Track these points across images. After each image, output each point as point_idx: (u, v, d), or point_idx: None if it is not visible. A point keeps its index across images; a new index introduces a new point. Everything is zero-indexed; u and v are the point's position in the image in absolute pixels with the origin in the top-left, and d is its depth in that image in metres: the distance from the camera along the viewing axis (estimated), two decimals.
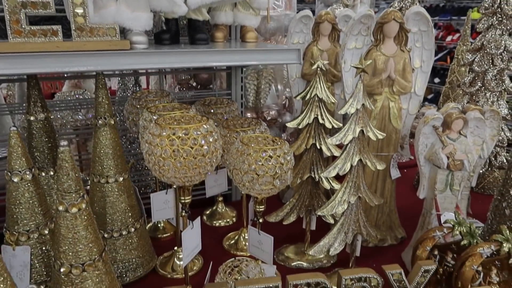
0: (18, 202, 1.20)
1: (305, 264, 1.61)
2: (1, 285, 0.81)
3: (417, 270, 1.22)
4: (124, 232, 1.45)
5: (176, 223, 1.65)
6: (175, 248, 1.61)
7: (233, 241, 1.76)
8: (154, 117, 1.37)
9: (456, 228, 1.30)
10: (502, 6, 1.96)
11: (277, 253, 1.66)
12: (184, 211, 1.28)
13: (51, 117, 1.51)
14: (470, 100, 2.12)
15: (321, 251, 1.40)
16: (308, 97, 1.47)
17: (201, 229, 1.35)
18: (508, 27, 1.97)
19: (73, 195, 0.97)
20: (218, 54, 1.46)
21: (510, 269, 1.28)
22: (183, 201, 1.26)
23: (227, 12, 1.66)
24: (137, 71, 2.16)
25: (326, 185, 1.53)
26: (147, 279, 1.52)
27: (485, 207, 1.62)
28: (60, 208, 0.97)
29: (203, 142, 1.13)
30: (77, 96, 2.25)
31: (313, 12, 2.11)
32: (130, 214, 1.46)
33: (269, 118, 2.34)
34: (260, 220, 1.40)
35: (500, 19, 1.98)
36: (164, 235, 1.81)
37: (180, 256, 1.56)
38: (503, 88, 2.04)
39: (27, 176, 1.19)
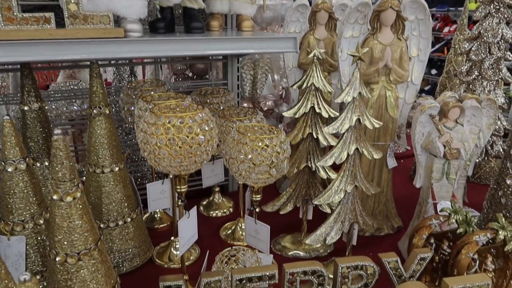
0: (12, 192, 1.19)
1: (302, 254, 1.61)
2: None
3: (413, 258, 1.22)
4: (120, 222, 1.44)
5: (172, 213, 1.65)
6: (172, 238, 1.61)
7: (230, 231, 1.76)
8: (149, 106, 1.36)
9: (452, 216, 1.30)
10: None
11: (274, 242, 1.66)
12: (180, 200, 1.28)
13: (46, 107, 1.49)
14: (467, 89, 2.11)
15: (318, 240, 1.40)
16: (304, 86, 1.46)
17: (198, 220, 1.35)
18: (505, 16, 1.96)
19: (68, 184, 0.96)
20: (214, 42, 1.44)
21: (505, 256, 1.29)
22: (179, 190, 1.26)
23: (223, 0, 1.64)
24: (132, 60, 2.14)
25: (323, 174, 1.52)
26: (144, 269, 1.52)
27: (481, 197, 1.63)
28: (55, 197, 0.96)
29: (198, 130, 1.12)
30: (72, 86, 2.23)
31: (310, 1, 2.09)
32: (126, 204, 1.46)
33: (265, 108, 2.33)
34: (257, 210, 1.40)
35: (497, 7, 1.97)
36: (161, 226, 1.81)
37: (177, 246, 1.56)
38: (500, 77, 2.04)
39: (21, 165, 1.18)
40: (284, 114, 1.51)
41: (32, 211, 1.23)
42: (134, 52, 1.30)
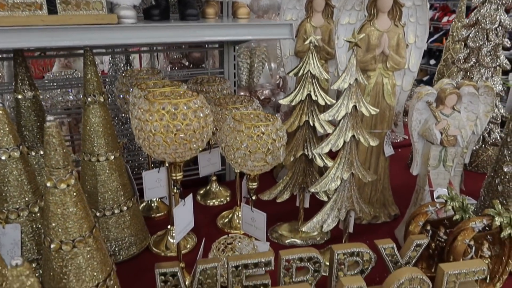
0: (6, 180, 1.18)
1: (298, 241, 1.61)
2: None
3: (410, 244, 1.23)
4: (116, 211, 1.44)
5: (169, 202, 1.65)
6: (169, 226, 1.61)
7: (226, 220, 1.76)
8: (144, 93, 1.35)
9: (449, 203, 1.30)
10: None
11: (271, 231, 1.66)
12: (175, 187, 1.27)
13: (40, 96, 1.48)
14: (465, 77, 2.10)
15: (314, 228, 1.40)
16: (301, 73, 1.45)
17: (195, 209, 1.34)
18: (503, 2, 1.94)
19: (61, 171, 0.95)
20: (210, 28, 1.43)
21: (501, 243, 1.29)
22: (174, 177, 1.25)
23: None
24: (127, 49, 2.12)
25: (320, 162, 1.52)
26: (141, 257, 1.52)
27: (478, 185, 1.63)
28: (48, 184, 0.95)
29: (193, 117, 1.11)
30: (66, 76, 2.21)
31: None
32: (122, 192, 1.45)
33: (262, 97, 2.32)
34: (253, 197, 1.40)
35: None
36: (158, 215, 1.81)
37: (173, 235, 1.55)
38: (497, 64, 2.03)
39: (15, 153, 1.17)
40: (281, 101, 1.50)
41: (26, 199, 1.22)
42: (128, 39, 1.28)
